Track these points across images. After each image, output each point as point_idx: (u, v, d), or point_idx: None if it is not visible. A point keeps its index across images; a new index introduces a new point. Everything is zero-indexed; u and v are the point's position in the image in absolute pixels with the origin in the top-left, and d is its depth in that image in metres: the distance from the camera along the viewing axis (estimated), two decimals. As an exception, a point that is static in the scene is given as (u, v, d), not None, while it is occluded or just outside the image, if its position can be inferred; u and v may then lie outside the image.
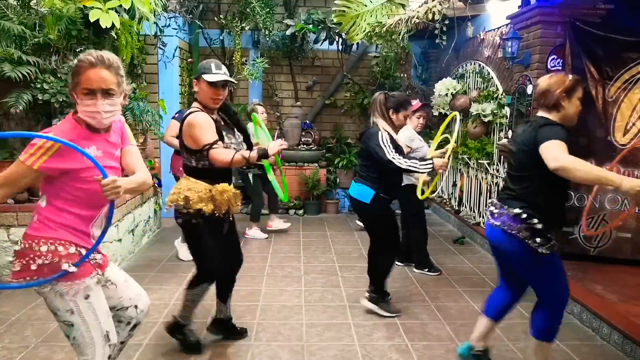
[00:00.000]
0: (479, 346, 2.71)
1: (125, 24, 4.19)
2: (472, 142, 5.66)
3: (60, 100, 3.87)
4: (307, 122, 7.26)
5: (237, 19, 6.69)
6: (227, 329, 3.11)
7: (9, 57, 3.70)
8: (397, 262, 4.45)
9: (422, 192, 3.65)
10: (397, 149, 3.26)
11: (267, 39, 6.83)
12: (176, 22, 5.90)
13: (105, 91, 1.79)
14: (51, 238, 1.81)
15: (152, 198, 5.55)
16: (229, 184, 2.71)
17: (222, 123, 2.75)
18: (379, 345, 3.07)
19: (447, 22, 4.24)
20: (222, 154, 2.49)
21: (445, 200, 6.89)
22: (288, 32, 6.68)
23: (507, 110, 4.99)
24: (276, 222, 5.80)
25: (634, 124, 3.88)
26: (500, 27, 5.29)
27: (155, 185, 5.63)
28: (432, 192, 3.93)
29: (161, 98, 5.84)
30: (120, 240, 4.45)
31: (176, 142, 4.29)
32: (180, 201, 2.63)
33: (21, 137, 2.05)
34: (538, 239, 2.31)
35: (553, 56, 4.15)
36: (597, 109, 3.94)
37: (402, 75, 7.32)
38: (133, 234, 4.88)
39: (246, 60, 7.01)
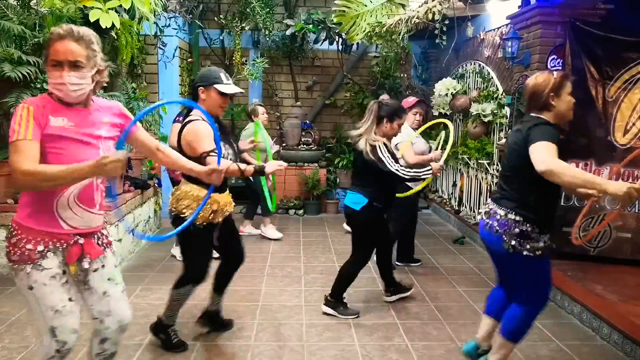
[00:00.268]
0: (484, 345, 2.70)
1: (125, 24, 4.19)
2: (472, 142, 5.66)
3: (60, 100, 3.86)
4: (307, 122, 7.26)
5: (237, 19, 6.69)
6: (215, 322, 3.16)
7: (9, 57, 3.70)
8: (396, 262, 4.46)
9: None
10: (394, 157, 3.28)
11: (267, 39, 6.83)
12: (176, 22, 5.90)
13: (72, 63, 1.76)
14: (16, 223, 1.84)
15: (152, 198, 5.55)
16: (225, 190, 2.80)
17: (220, 132, 2.73)
18: (379, 345, 3.07)
19: (447, 22, 4.24)
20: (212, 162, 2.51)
21: (445, 200, 6.89)
22: (288, 32, 6.68)
23: (507, 110, 4.99)
24: (269, 229, 5.68)
25: (634, 124, 3.87)
26: (500, 27, 5.29)
27: (155, 185, 5.63)
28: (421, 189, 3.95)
29: (161, 98, 5.84)
30: (120, 240, 4.44)
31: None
32: (177, 206, 2.69)
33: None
34: (524, 241, 2.31)
35: (553, 56, 4.15)
36: (597, 109, 3.94)
37: (402, 75, 7.32)
38: (133, 234, 4.88)
39: (246, 60, 7.01)
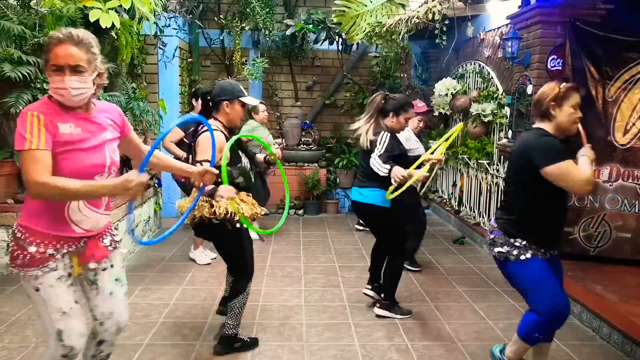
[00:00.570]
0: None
1: (125, 24, 4.19)
2: (472, 142, 5.66)
3: (60, 100, 3.86)
4: (307, 122, 7.26)
5: (237, 19, 6.69)
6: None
7: (9, 57, 3.70)
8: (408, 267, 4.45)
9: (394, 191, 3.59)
10: (391, 148, 3.19)
11: (267, 39, 6.83)
12: (176, 22, 5.91)
13: (73, 67, 1.75)
14: (30, 229, 1.82)
15: (152, 198, 5.55)
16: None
17: (237, 146, 2.88)
18: (379, 345, 3.07)
19: (447, 22, 4.24)
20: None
21: (445, 200, 6.89)
22: (288, 32, 6.68)
23: (507, 110, 4.99)
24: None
25: (634, 124, 3.88)
26: (500, 27, 5.29)
27: (155, 185, 5.63)
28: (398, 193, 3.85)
29: (161, 98, 5.84)
30: (120, 240, 4.44)
31: (174, 147, 4.28)
32: (219, 210, 2.69)
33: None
34: (509, 248, 2.34)
35: (553, 56, 4.15)
36: (597, 109, 3.94)
37: (402, 75, 7.32)
38: (133, 234, 4.87)
39: (246, 60, 7.01)
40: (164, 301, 3.69)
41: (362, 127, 3.34)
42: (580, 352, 3.00)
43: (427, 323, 3.40)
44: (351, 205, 3.63)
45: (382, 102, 3.30)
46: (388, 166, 3.06)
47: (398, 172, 3.01)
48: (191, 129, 4.31)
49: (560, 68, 4.09)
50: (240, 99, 2.84)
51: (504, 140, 4.80)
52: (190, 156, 2.87)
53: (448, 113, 6.31)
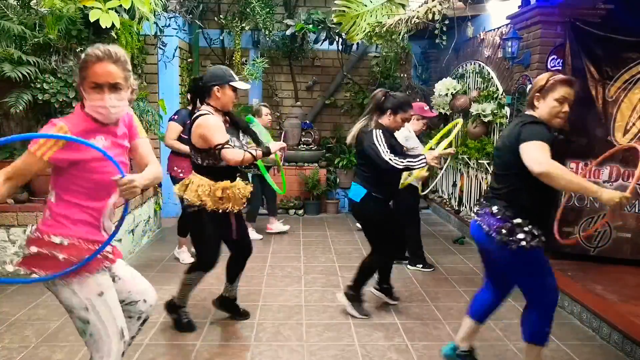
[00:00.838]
0: (463, 346, 2.70)
1: (125, 24, 4.19)
2: (472, 142, 5.66)
3: (60, 100, 3.87)
4: (307, 122, 7.26)
5: (237, 19, 6.69)
6: (231, 308, 3.37)
7: (9, 57, 3.70)
8: (408, 266, 4.45)
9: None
10: (393, 147, 3.21)
11: (267, 39, 6.83)
12: (176, 22, 5.90)
13: (112, 85, 1.78)
14: (66, 235, 1.82)
15: (152, 198, 5.55)
16: (232, 181, 2.97)
17: (228, 125, 2.99)
18: (379, 345, 3.07)
19: (447, 22, 4.24)
20: (235, 153, 2.80)
21: (445, 200, 6.89)
22: (288, 32, 6.68)
23: (507, 110, 4.99)
24: (276, 225, 5.79)
25: (634, 124, 3.88)
26: (500, 27, 5.29)
27: (155, 185, 5.63)
28: (411, 180, 3.92)
29: (161, 98, 5.84)
30: (120, 240, 4.44)
31: (178, 144, 4.30)
32: (185, 195, 2.90)
33: (23, 140, 2.05)
34: (519, 235, 2.26)
35: (553, 56, 4.15)
36: (597, 109, 3.94)
37: (402, 75, 7.32)
38: (133, 234, 4.88)
39: (246, 60, 7.01)
40: (164, 301, 3.68)
41: (357, 124, 3.37)
42: (580, 352, 3.00)
43: (427, 323, 3.40)
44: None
45: (382, 98, 3.29)
46: (422, 157, 3.13)
47: (432, 156, 3.15)
48: (188, 122, 4.34)
49: (560, 68, 4.09)
50: (230, 83, 2.91)
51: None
52: (190, 149, 2.98)
53: (448, 113, 6.31)
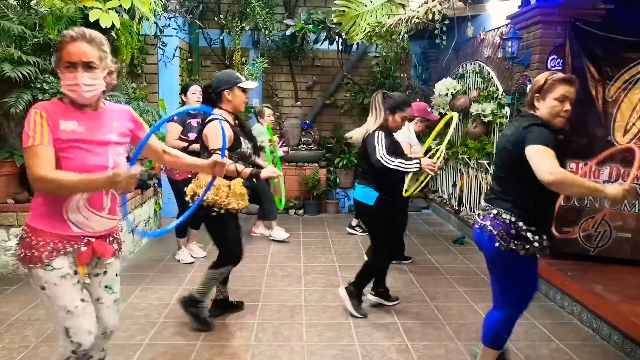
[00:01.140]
0: None
1: (125, 24, 4.20)
2: (472, 142, 5.66)
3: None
4: (307, 122, 7.26)
5: (237, 19, 6.69)
6: (226, 306, 3.45)
7: (9, 57, 3.70)
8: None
9: (406, 190, 3.62)
10: (392, 147, 3.22)
11: (267, 39, 6.83)
12: (176, 22, 5.91)
13: (85, 64, 1.79)
14: (29, 226, 1.86)
15: (152, 198, 5.55)
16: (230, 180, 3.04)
17: (239, 128, 3.07)
18: (379, 345, 3.07)
19: (447, 22, 4.24)
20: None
21: (445, 200, 6.89)
22: (288, 32, 6.68)
23: (507, 110, 4.99)
24: (262, 229, 5.70)
25: (634, 124, 3.87)
26: (500, 27, 5.29)
27: (155, 185, 5.63)
28: (418, 189, 3.92)
29: (161, 98, 5.85)
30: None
31: (179, 144, 4.29)
32: (211, 198, 2.96)
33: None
34: (517, 240, 2.26)
35: (553, 56, 4.15)
36: (597, 109, 3.94)
37: (402, 75, 7.32)
38: (133, 234, 4.88)
39: (246, 60, 7.01)
40: (164, 301, 3.69)
41: (362, 128, 3.38)
42: (580, 352, 3.00)
43: (427, 323, 3.40)
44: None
45: (382, 100, 3.31)
46: (415, 161, 3.10)
47: (428, 162, 3.10)
48: (187, 122, 4.34)
49: (560, 68, 4.09)
50: (238, 85, 3.00)
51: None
52: (200, 147, 3.09)
53: (448, 113, 6.30)
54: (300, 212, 6.86)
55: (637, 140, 3.85)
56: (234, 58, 6.85)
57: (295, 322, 3.38)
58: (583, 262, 3.92)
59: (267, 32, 6.58)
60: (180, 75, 6.21)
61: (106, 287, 2.04)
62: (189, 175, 4.33)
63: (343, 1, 4.96)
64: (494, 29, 5.50)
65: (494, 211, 2.34)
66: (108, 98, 4.37)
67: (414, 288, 4.06)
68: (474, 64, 6.00)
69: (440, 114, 6.30)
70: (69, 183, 1.74)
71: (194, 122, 4.46)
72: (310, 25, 6.57)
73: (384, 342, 3.10)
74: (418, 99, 6.93)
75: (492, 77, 5.47)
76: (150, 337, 3.09)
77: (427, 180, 3.36)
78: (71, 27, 3.87)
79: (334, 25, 6.21)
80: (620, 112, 3.92)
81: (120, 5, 3.90)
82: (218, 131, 2.82)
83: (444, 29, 4.29)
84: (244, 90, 3.03)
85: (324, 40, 6.73)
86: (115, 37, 4.28)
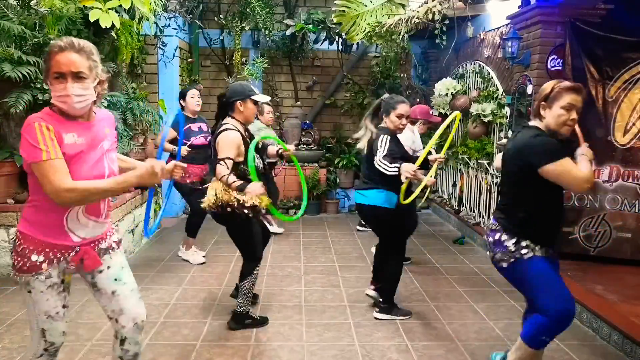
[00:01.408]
0: None
1: (125, 24, 4.20)
2: (472, 142, 5.66)
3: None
4: (307, 122, 7.26)
5: (237, 19, 6.69)
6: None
7: (9, 57, 3.70)
8: None
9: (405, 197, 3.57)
10: (396, 149, 3.25)
11: (267, 39, 6.83)
12: (176, 22, 5.91)
13: (75, 74, 1.76)
14: (21, 233, 1.85)
15: (152, 198, 5.55)
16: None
17: (249, 139, 3.15)
18: (379, 345, 3.07)
19: (447, 22, 4.24)
20: (221, 171, 2.95)
21: (445, 200, 6.89)
22: (288, 32, 6.68)
23: (507, 110, 4.99)
24: (273, 228, 5.72)
25: (634, 124, 3.87)
26: (500, 27, 5.29)
27: (155, 185, 5.62)
28: (424, 197, 3.90)
29: (161, 98, 5.84)
30: (120, 240, 4.44)
31: (169, 147, 4.28)
32: (249, 201, 2.97)
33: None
34: (505, 252, 2.32)
35: (553, 56, 4.15)
36: (597, 109, 3.94)
37: (402, 75, 7.32)
38: (133, 234, 4.88)
39: (246, 60, 7.01)
40: (164, 301, 3.69)
41: (362, 131, 3.42)
42: (581, 352, 3.00)
43: (427, 323, 3.40)
44: (355, 208, 3.66)
45: (371, 120, 3.42)
46: (397, 164, 3.09)
47: (407, 167, 3.04)
48: (187, 127, 4.38)
49: (560, 68, 4.09)
50: (251, 97, 3.11)
51: (504, 140, 4.80)
52: (212, 154, 3.14)
53: (448, 113, 6.30)
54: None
55: (637, 140, 3.85)
56: (234, 58, 6.86)
57: (295, 322, 3.38)
58: (583, 262, 3.92)
59: (267, 32, 6.58)
60: (180, 75, 6.21)
61: (115, 279, 2.05)
62: (195, 180, 4.38)
63: (343, 1, 4.96)
64: (494, 29, 5.50)
65: (494, 223, 2.42)
66: (108, 98, 4.38)
67: (414, 288, 4.07)
68: (474, 64, 6.00)
69: (440, 114, 6.31)
70: (101, 189, 1.78)
71: (194, 127, 4.49)
72: (310, 25, 6.57)
73: (384, 342, 3.10)
74: (418, 99, 6.95)
75: (492, 77, 5.47)
76: (150, 337, 3.09)
77: (424, 186, 3.30)
78: (71, 27, 3.89)
79: (334, 25, 6.21)
80: (620, 112, 3.92)
81: (120, 5, 3.90)
82: (231, 141, 2.97)
83: (444, 29, 4.29)
84: (255, 102, 3.14)
85: (324, 40, 6.73)
86: (115, 37, 4.28)
